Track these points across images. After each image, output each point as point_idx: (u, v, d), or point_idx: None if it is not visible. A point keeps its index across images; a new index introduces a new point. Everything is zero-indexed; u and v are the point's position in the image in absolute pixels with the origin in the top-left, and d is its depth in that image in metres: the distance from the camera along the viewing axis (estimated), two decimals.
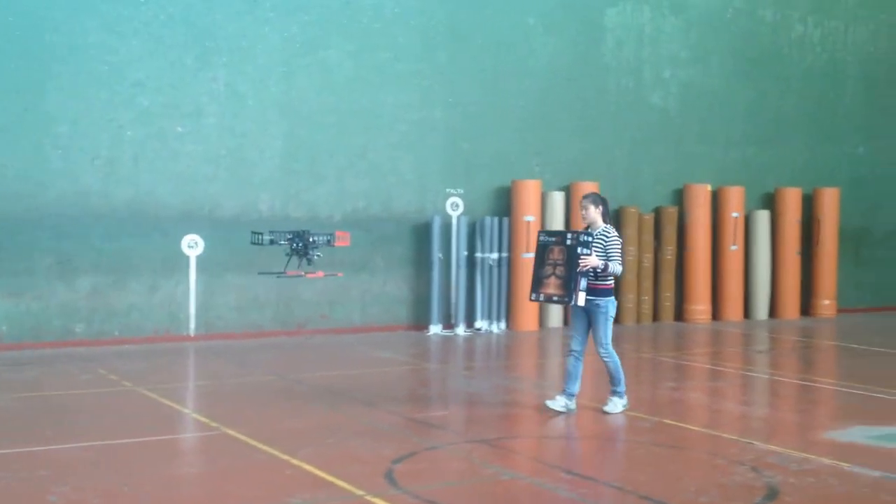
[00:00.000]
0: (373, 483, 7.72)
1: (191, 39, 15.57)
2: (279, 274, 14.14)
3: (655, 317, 19.09)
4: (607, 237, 10.02)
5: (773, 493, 7.52)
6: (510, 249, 17.50)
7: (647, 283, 18.88)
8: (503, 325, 17.45)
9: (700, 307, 19.11)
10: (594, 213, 10.16)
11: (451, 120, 17.50)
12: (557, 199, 17.88)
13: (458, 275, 17.12)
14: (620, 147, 19.00)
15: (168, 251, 15.47)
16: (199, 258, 15.64)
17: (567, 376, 10.33)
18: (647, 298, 18.87)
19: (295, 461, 8.32)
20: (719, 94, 19.95)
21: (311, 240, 13.26)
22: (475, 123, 17.70)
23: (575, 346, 10.31)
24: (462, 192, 17.47)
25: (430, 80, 17.31)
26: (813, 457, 8.58)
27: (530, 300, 10.52)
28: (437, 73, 17.36)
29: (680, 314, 19.24)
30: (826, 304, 20.54)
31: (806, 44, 20.88)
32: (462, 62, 17.57)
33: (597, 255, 9.86)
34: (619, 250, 10.00)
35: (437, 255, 16.91)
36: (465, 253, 17.18)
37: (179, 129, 15.53)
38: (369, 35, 16.83)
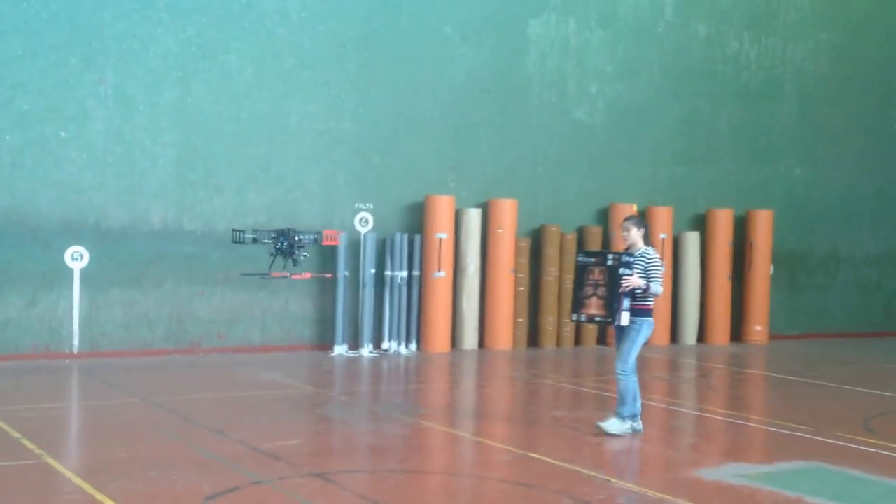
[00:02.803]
0: None
1: (75, 39, 14.73)
2: (263, 275, 13.44)
3: (577, 341, 18.30)
4: (648, 258, 10.02)
5: None
6: (422, 268, 16.70)
7: (569, 306, 17.99)
8: (413, 346, 16.64)
9: None
10: (636, 235, 10.19)
11: (361, 131, 16.69)
12: (473, 215, 17.11)
13: (366, 293, 16.29)
14: (542, 163, 18.22)
15: (49, 263, 14.60)
16: (83, 271, 14.77)
17: (623, 398, 10.23)
18: (569, 321, 18.04)
19: (98, 496, 7.49)
20: (648, 110, 19.19)
21: (296, 239, 12.59)
22: (387, 136, 16.90)
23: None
24: (372, 207, 16.67)
25: (338, 90, 16.51)
26: (669, 497, 7.80)
27: (571, 321, 10.69)
28: (346, 83, 16.57)
29: (603, 338, 18.44)
30: (757, 329, 19.79)
31: (741, 60, 20.17)
32: (374, 71, 16.78)
33: (638, 276, 9.85)
34: (660, 272, 10.04)
35: (342, 272, 16.08)
36: (373, 271, 16.35)
37: (63, 133, 14.69)
38: (273, 40, 16.04)
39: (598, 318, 10.12)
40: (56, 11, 14.65)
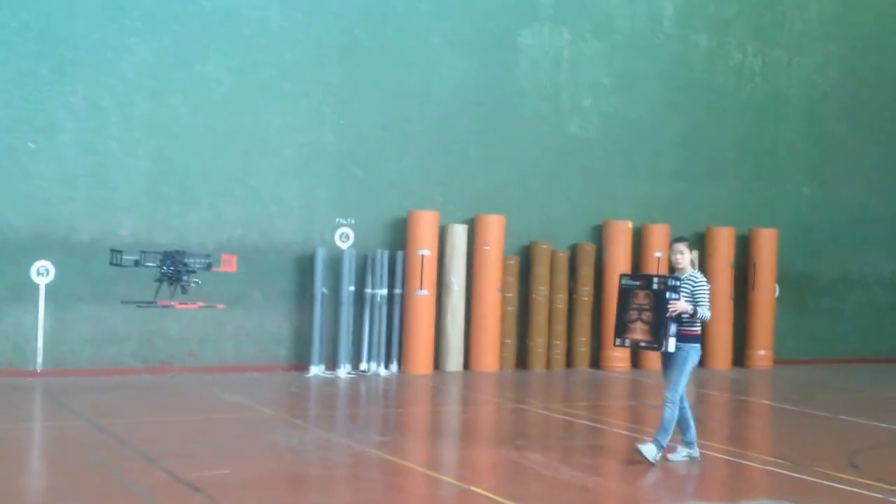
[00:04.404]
0: None
1: (47, 48, 14.36)
2: (141, 303, 12.67)
3: (569, 363, 17.68)
4: (695, 282, 9.80)
5: None
6: (404, 285, 16.17)
7: (560, 327, 17.46)
8: (394, 367, 16.09)
9: (618, 354, 17.65)
10: (687, 258, 9.95)
11: (342, 145, 16.21)
12: (459, 232, 16.56)
13: (344, 312, 15.77)
14: (534, 178, 17.64)
15: (14, 278, 14.21)
16: (49, 286, 14.34)
17: (680, 426, 10.06)
18: (560, 343, 17.45)
19: None
20: (646, 124, 18.58)
21: (185, 262, 11.81)
22: (370, 149, 16.41)
23: None
24: (353, 222, 16.16)
25: (319, 101, 16.04)
26: None
27: (615, 345, 10.30)
28: (328, 94, 16.10)
29: (597, 361, 17.81)
30: (761, 354, 19.06)
31: (745, 73, 19.52)
32: (357, 83, 16.29)
33: (684, 300, 9.64)
34: (708, 296, 9.81)
35: (320, 289, 15.58)
36: (352, 288, 15.83)
37: (31, 145, 14.30)
38: (252, 50, 15.61)
39: (643, 344, 9.91)
40: (27, 21, 14.29)
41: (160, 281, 11.32)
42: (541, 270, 17.24)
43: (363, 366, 15.93)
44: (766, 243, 19.08)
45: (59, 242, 14.47)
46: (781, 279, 19.46)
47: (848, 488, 9.34)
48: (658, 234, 18.05)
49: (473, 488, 8.77)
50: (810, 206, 20.24)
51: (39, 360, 14.31)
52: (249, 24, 15.55)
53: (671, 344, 9.60)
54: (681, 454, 10.07)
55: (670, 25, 18.78)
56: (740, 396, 15.94)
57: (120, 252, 11.20)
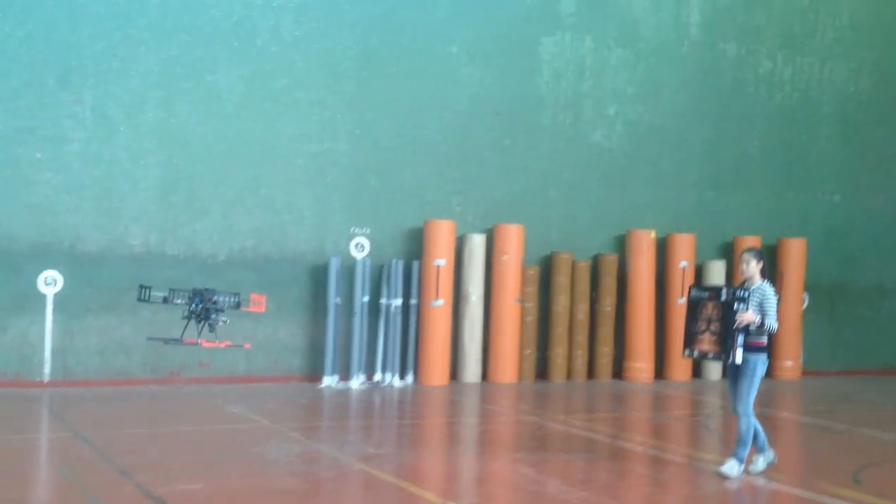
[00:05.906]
0: None
1: (52, 58, 14.32)
2: (168, 340, 12.51)
3: (590, 374, 17.33)
4: (764, 293, 9.83)
5: None
6: (419, 296, 15.93)
7: (581, 337, 17.12)
8: (410, 378, 15.85)
9: (641, 365, 17.28)
10: (755, 269, 9.98)
11: (357, 154, 16.02)
12: (478, 241, 16.30)
13: (358, 322, 15.56)
14: (555, 187, 17.33)
15: (20, 288, 14.14)
16: (56, 296, 14.28)
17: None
18: (581, 353, 17.11)
19: None
20: (672, 133, 18.19)
21: (213, 300, 11.59)
22: (386, 158, 16.20)
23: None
24: (368, 231, 15.96)
25: (333, 110, 15.87)
26: None
27: (683, 356, 10.40)
28: (342, 103, 15.92)
29: (619, 372, 17.45)
30: (789, 365, 18.55)
31: (774, 81, 19.06)
32: (372, 92, 16.10)
33: (752, 311, 9.68)
34: (776, 307, 9.84)
35: (334, 299, 15.39)
36: (367, 298, 15.62)
37: (38, 155, 14.25)
38: (264, 59, 15.46)
39: (710, 355, 9.97)
40: (31, 30, 14.26)
41: (188, 318, 11.16)
42: (561, 280, 16.93)
43: (377, 377, 15.71)
44: (795, 253, 18.60)
45: (65, 252, 14.41)
46: (813, 289, 18.98)
47: None
48: (683, 244, 17.67)
49: (450, 503, 8.50)
50: (843, 215, 19.72)
51: (46, 370, 14.24)
52: (261, 33, 15.42)
53: (738, 355, 9.62)
54: (760, 465, 10.12)
55: (697, 33, 18.39)
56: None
57: (149, 288, 11.09)
